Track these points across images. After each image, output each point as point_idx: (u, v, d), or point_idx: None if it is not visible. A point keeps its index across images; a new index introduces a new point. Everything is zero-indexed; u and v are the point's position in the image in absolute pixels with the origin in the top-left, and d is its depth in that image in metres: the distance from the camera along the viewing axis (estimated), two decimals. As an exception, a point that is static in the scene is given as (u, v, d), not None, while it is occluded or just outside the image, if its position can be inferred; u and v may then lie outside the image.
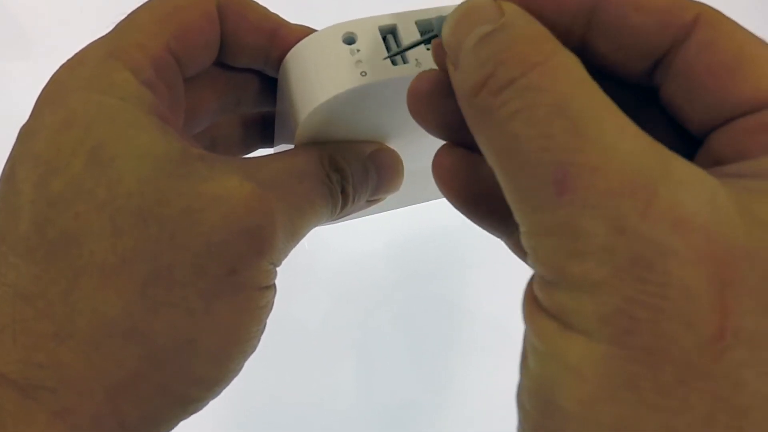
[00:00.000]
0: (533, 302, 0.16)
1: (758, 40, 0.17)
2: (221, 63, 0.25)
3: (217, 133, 0.28)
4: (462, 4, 0.17)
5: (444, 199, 0.21)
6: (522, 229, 0.16)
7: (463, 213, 0.21)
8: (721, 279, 0.14)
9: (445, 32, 0.18)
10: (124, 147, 0.20)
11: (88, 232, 0.20)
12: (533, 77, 0.15)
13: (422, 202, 0.34)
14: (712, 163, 0.17)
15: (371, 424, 0.48)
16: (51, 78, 0.22)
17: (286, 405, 0.49)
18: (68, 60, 0.22)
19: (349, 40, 0.23)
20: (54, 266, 0.20)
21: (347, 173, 0.25)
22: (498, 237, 0.21)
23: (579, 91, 0.15)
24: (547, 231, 0.15)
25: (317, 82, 0.23)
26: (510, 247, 0.21)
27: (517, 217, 0.16)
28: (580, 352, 0.14)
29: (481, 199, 0.20)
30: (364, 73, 0.22)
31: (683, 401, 0.14)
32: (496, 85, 0.16)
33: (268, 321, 0.23)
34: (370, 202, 0.27)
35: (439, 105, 0.19)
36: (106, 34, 0.23)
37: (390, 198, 0.29)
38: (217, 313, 0.21)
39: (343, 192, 0.25)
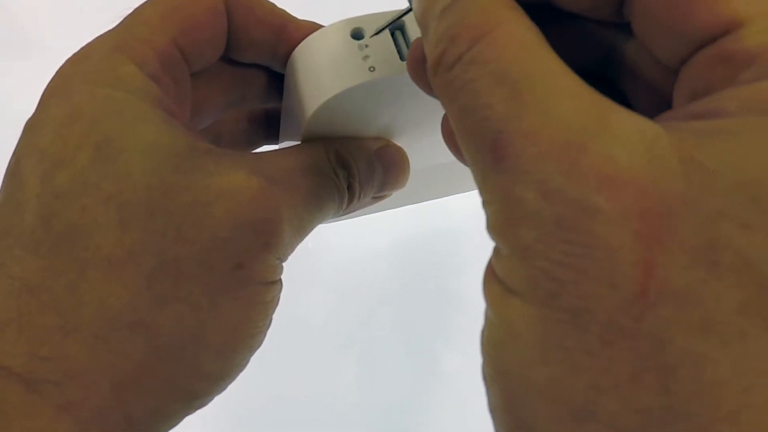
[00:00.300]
0: (490, 270, 0.16)
1: None
2: (228, 58, 0.25)
3: (222, 129, 0.28)
4: None
5: (448, 198, 0.21)
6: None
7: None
8: (649, 234, 0.13)
9: (415, 6, 0.18)
10: (131, 140, 0.20)
11: (95, 226, 0.20)
12: (477, 50, 0.15)
13: (427, 200, 0.34)
14: (688, 100, 0.16)
15: (373, 421, 0.48)
16: (57, 72, 0.22)
17: (288, 402, 0.49)
18: (74, 54, 0.22)
19: (358, 35, 0.23)
20: (60, 259, 0.19)
21: (354, 169, 0.25)
22: None
23: (522, 57, 0.15)
24: (489, 199, 0.15)
25: (325, 77, 0.23)
26: None
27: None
28: (517, 315, 0.15)
29: None
30: (372, 69, 0.22)
31: (609, 361, 0.13)
32: (448, 62, 0.16)
33: (273, 319, 0.23)
34: (376, 198, 0.27)
35: None
36: (112, 29, 0.23)
37: (395, 195, 0.29)
38: (223, 307, 0.20)
39: (350, 188, 0.25)
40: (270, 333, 0.23)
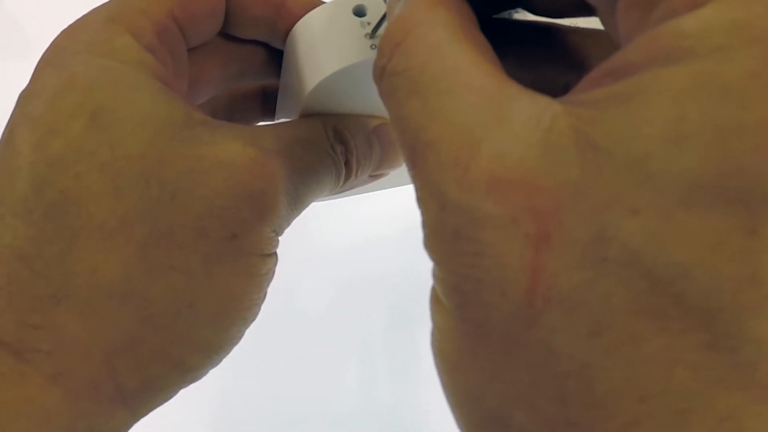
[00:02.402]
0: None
1: None
2: (226, 34, 0.25)
3: (218, 105, 0.27)
4: None
5: None
6: None
7: None
8: (538, 235, 0.12)
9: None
10: (127, 109, 0.20)
11: (88, 193, 0.19)
12: (393, 61, 0.15)
13: None
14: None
15: (373, 414, 0.47)
16: (51, 42, 0.22)
17: (286, 395, 0.49)
18: (69, 25, 0.22)
19: (360, 12, 0.23)
20: (51, 227, 0.19)
21: (351, 145, 0.25)
22: None
23: (430, 61, 0.14)
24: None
25: (326, 53, 0.23)
26: None
27: None
28: (441, 324, 0.15)
29: None
30: (374, 46, 0.22)
31: (512, 372, 0.13)
32: (376, 75, 0.16)
33: (271, 310, 0.23)
34: (373, 177, 0.27)
35: None
36: (110, 1, 0.23)
37: (395, 174, 0.28)
38: (218, 277, 0.20)
39: (347, 164, 0.24)
40: (269, 324, 0.23)
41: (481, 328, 0.13)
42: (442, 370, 0.15)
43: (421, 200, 0.14)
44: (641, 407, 0.12)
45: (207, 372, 0.21)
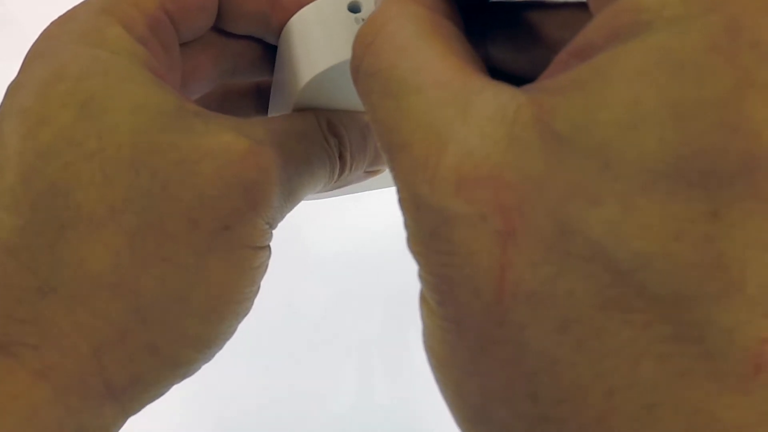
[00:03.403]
0: None
1: None
2: (220, 29, 0.25)
3: (211, 101, 0.27)
4: None
5: None
6: None
7: None
8: (505, 231, 0.12)
9: None
10: (117, 100, 0.20)
11: (77, 183, 0.19)
12: (365, 62, 0.15)
13: None
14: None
15: (370, 416, 0.47)
16: (41, 33, 0.22)
17: (283, 396, 0.48)
18: (59, 16, 0.22)
19: (355, 8, 0.23)
20: (39, 218, 0.19)
21: (345, 139, 0.24)
22: None
23: (398, 60, 0.14)
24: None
25: (320, 48, 0.22)
26: None
27: None
28: (427, 323, 0.15)
29: None
30: None
31: (488, 368, 0.13)
32: (353, 76, 0.16)
33: (268, 311, 0.23)
34: (369, 173, 0.27)
35: None
36: None
37: (389, 174, 0.28)
38: (210, 269, 0.20)
39: (341, 158, 0.24)
40: (266, 325, 0.22)
41: (458, 325, 0.13)
42: (432, 366, 0.15)
43: (401, 202, 0.14)
44: (609, 402, 0.12)
45: (199, 367, 0.21)
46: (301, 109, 0.24)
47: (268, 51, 0.25)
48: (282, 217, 0.22)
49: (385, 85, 0.14)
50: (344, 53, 0.22)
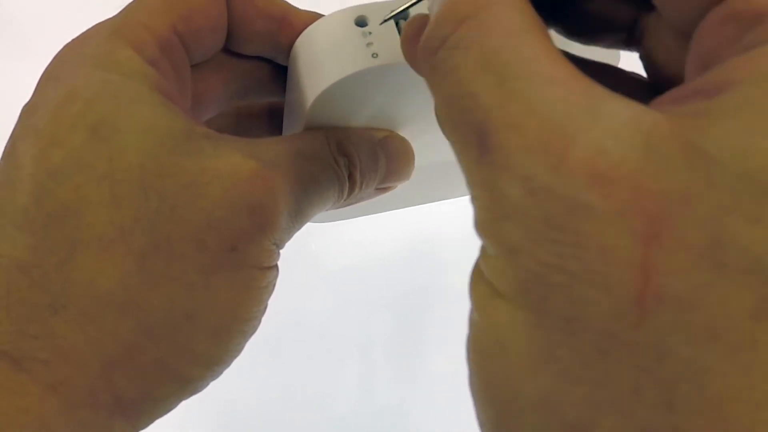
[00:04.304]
0: (477, 270, 0.15)
1: None
2: (231, 51, 0.25)
3: (224, 122, 0.27)
4: None
5: (453, 200, 0.21)
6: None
7: None
8: (647, 233, 0.12)
9: None
10: (127, 122, 0.20)
11: (87, 204, 0.19)
12: (461, 33, 0.15)
13: (432, 201, 0.33)
14: (697, 73, 0.15)
15: (370, 423, 0.47)
16: (55, 56, 0.22)
17: (286, 402, 0.49)
18: (73, 39, 0.22)
19: (362, 22, 0.23)
20: (51, 237, 0.19)
21: (355, 158, 0.24)
22: None
23: (509, 42, 0.14)
24: (476, 194, 0.14)
25: (327, 63, 0.23)
26: None
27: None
28: (505, 320, 0.14)
29: None
30: (375, 55, 0.22)
31: (606, 373, 0.12)
32: (433, 45, 0.15)
33: (272, 320, 0.23)
34: (380, 190, 0.27)
35: None
36: (114, 15, 0.23)
37: (402, 195, 0.28)
38: (217, 289, 0.20)
39: (350, 177, 0.24)
40: (270, 333, 0.23)
41: (570, 324, 0.13)
42: (500, 372, 0.14)
43: (491, 182, 0.14)
44: (758, 413, 0.11)
45: (207, 384, 0.21)
46: (312, 127, 0.25)
47: (279, 71, 0.26)
48: (290, 237, 0.23)
49: (487, 61, 0.14)
50: (351, 67, 0.22)
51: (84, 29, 0.23)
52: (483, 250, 0.15)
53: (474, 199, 0.14)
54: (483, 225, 0.14)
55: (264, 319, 0.23)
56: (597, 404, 0.12)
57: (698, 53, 0.15)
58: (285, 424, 0.48)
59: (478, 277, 0.15)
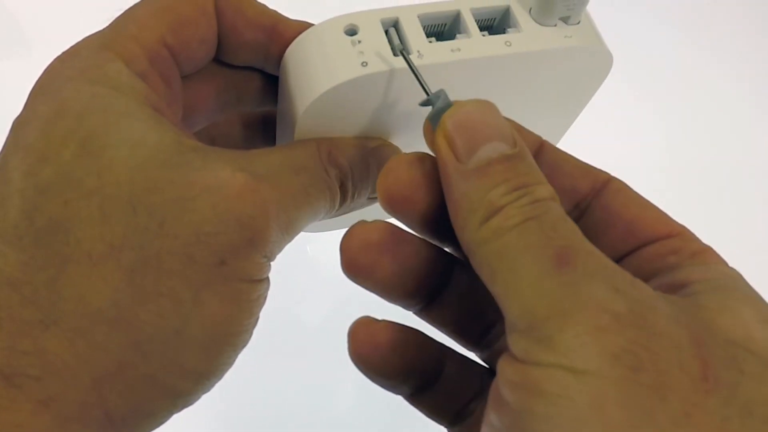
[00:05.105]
0: (513, 361, 0.17)
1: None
2: (221, 61, 0.25)
3: (216, 133, 0.27)
4: (469, 104, 0.20)
5: None
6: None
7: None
8: (696, 340, 0.17)
9: (449, 126, 0.19)
10: (116, 136, 0.20)
11: (76, 220, 0.19)
12: (538, 209, 0.18)
13: None
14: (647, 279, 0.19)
15: (372, 423, 0.48)
16: (45, 70, 0.22)
17: (284, 406, 0.49)
18: (63, 52, 0.22)
19: (351, 32, 0.23)
20: (41, 253, 0.19)
21: (346, 168, 0.24)
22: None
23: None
24: (548, 298, 0.17)
25: (317, 73, 0.23)
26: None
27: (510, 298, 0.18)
28: (594, 391, 0.16)
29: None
30: (365, 64, 0.22)
31: (694, 428, 0.15)
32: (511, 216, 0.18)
33: (269, 323, 0.23)
34: (372, 199, 0.27)
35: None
36: (103, 28, 0.23)
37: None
38: (206, 303, 0.20)
39: (342, 187, 0.24)
40: (267, 336, 0.23)
41: (660, 390, 0.16)
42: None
43: (574, 285, 0.17)
44: None
45: (199, 397, 0.21)
46: (304, 135, 0.24)
47: (271, 81, 0.26)
48: (280, 249, 0.22)
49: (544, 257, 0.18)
50: (341, 75, 0.22)
51: (84, 29, 0.23)
52: (534, 340, 0.17)
53: (538, 304, 0.17)
54: (557, 313, 0.17)
55: (262, 320, 0.23)
56: None
57: (641, 268, 0.21)
58: (285, 425, 0.48)
59: (518, 366, 0.17)
